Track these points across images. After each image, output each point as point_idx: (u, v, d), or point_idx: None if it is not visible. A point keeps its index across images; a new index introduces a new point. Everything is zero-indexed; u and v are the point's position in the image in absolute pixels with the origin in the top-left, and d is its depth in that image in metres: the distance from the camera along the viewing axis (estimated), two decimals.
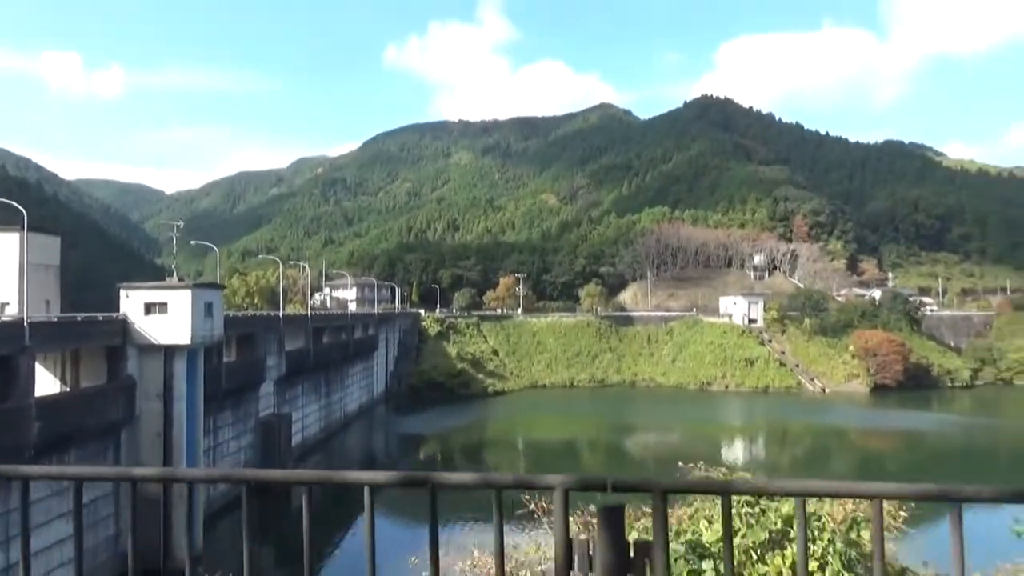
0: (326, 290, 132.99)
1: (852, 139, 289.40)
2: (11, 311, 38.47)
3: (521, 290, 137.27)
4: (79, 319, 36.51)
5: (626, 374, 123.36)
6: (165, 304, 38.72)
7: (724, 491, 2.84)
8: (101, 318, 37.67)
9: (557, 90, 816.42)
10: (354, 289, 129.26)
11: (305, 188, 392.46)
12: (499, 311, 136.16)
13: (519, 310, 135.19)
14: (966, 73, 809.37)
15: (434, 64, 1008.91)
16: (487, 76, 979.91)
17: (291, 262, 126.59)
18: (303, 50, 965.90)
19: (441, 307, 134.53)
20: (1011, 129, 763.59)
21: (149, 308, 38.72)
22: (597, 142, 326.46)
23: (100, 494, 36.04)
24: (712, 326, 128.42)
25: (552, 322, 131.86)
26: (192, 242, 74.81)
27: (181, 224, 49.88)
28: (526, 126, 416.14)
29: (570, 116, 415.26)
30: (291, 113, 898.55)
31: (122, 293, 38.93)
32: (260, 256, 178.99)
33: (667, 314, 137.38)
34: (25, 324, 30.96)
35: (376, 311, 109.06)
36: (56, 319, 35.46)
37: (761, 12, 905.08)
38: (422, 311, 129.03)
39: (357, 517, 44.13)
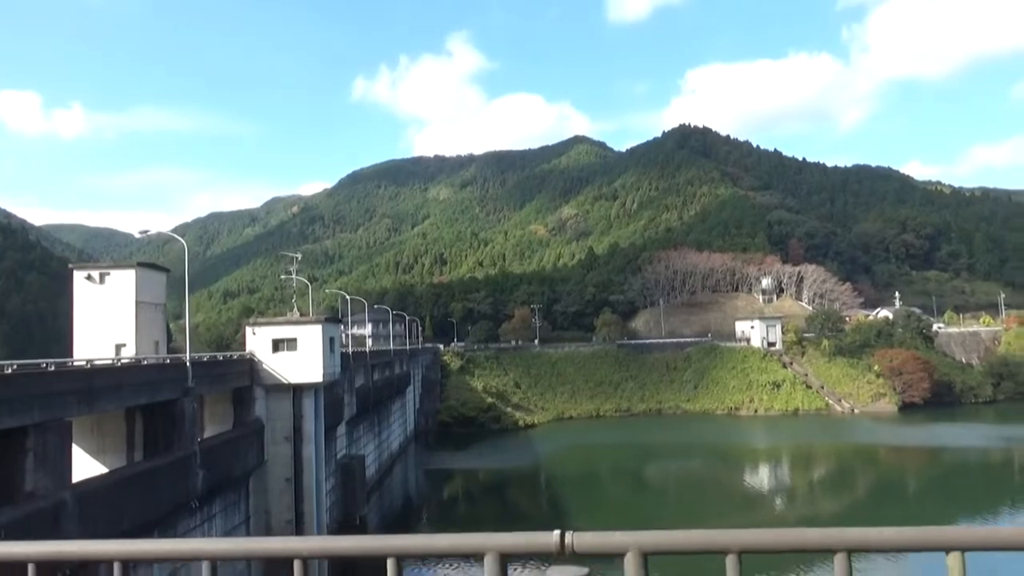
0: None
1: (829, 163, 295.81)
2: (127, 352, 35.87)
3: (537, 321, 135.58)
4: (220, 359, 34.03)
5: (650, 402, 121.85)
6: (295, 340, 36.45)
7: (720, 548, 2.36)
8: (236, 357, 35.22)
9: (530, 122, 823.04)
10: (369, 325, 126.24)
11: (282, 227, 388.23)
12: (513, 343, 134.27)
13: (536, 341, 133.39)
14: (926, 96, 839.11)
15: (405, 98, 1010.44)
16: (459, 109, 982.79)
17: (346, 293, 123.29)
18: (266, 89, 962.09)
19: (456, 340, 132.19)
20: (971, 150, 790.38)
21: (277, 345, 36.41)
22: (577, 174, 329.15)
23: None
24: (731, 351, 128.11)
25: (570, 352, 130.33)
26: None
27: (299, 256, 47.40)
28: (502, 160, 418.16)
29: (545, 149, 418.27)
30: (259, 151, 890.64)
31: (248, 330, 36.62)
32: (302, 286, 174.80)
33: (682, 340, 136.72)
34: (188, 365, 28.58)
35: (395, 347, 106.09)
36: (207, 359, 32.96)
37: (726, 41, 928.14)
38: (441, 345, 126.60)
39: None
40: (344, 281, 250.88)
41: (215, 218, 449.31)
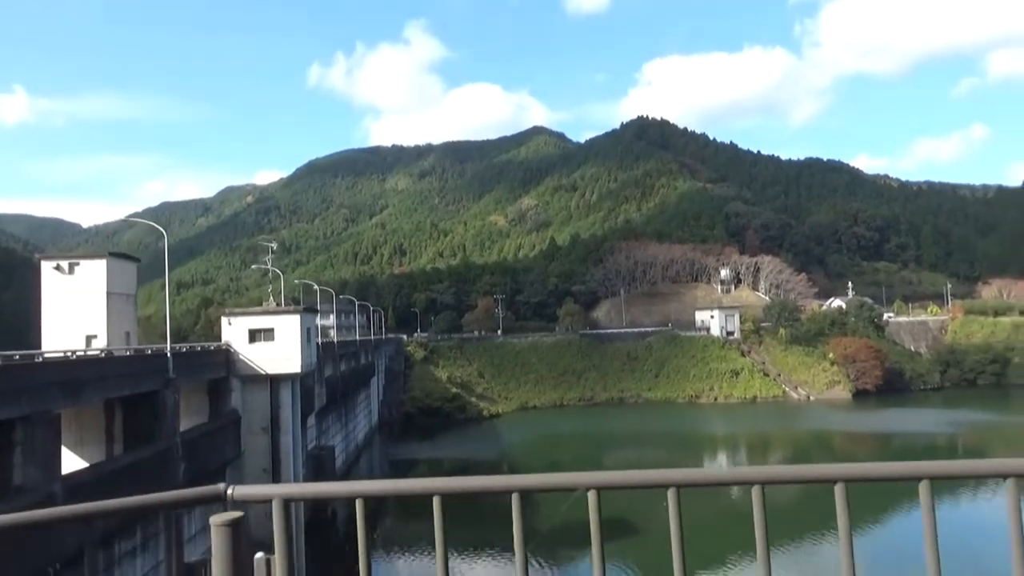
0: None
1: (783, 156, 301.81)
2: (99, 344, 35.18)
3: (500, 311, 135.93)
4: (198, 349, 33.60)
5: (613, 391, 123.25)
6: (272, 330, 36.16)
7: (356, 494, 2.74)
8: (213, 348, 34.80)
9: (489, 111, 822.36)
10: (332, 316, 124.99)
11: (236, 217, 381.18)
12: (476, 333, 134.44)
13: (499, 331, 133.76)
14: (874, 91, 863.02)
15: (362, 87, 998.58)
16: (417, 98, 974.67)
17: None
18: (219, 74, 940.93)
19: (420, 331, 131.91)
20: (915, 144, 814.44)
21: (254, 335, 36.08)
22: (537, 165, 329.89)
23: None
24: (691, 340, 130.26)
25: (533, 342, 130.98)
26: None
27: (275, 246, 46.76)
28: (461, 150, 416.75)
29: (504, 139, 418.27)
30: (212, 139, 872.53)
31: (223, 320, 36.22)
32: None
33: (643, 330, 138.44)
34: (168, 356, 28.22)
35: (360, 337, 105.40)
36: (186, 350, 32.49)
37: (682, 34, 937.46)
38: (404, 336, 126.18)
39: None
40: (302, 272, 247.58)
41: (167, 208, 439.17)
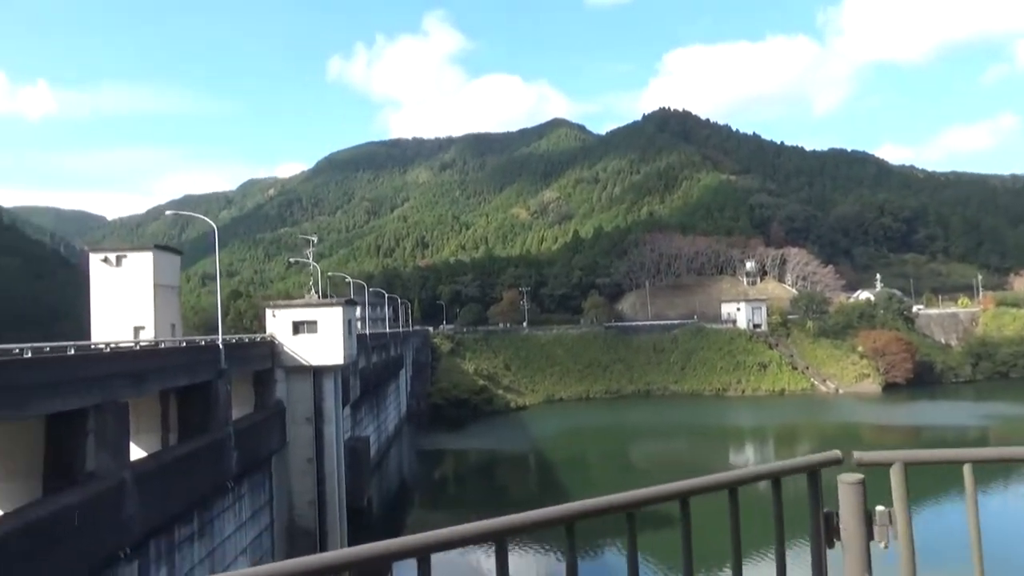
0: None
1: (807, 147, 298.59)
2: (146, 335, 35.70)
3: (526, 304, 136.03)
4: (246, 341, 34.01)
5: (639, 384, 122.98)
6: (315, 323, 36.48)
7: (964, 460, 3.16)
8: (258, 339, 35.22)
9: (509, 103, 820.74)
10: (360, 308, 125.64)
11: (258, 210, 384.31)
12: (502, 325, 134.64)
13: (524, 324, 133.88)
14: (899, 80, 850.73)
15: (382, 79, 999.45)
16: (437, 90, 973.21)
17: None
18: (240, 66, 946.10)
19: (445, 323, 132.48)
20: (942, 133, 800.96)
21: (297, 327, 36.44)
22: (558, 157, 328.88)
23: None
24: (718, 333, 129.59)
25: (558, 334, 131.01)
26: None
27: (315, 239, 47.29)
28: (481, 143, 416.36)
29: (525, 132, 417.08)
30: (233, 131, 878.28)
31: (268, 312, 36.66)
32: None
33: (669, 322, 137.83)
34: (221, 346, 28.58)
35: (389, 330, 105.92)
36: (235, 342, 32.90)
37: (705, 23, 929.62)
38: (430, 328, 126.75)
39: None
40: (325, 264, 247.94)
41: (190, 200, 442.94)
